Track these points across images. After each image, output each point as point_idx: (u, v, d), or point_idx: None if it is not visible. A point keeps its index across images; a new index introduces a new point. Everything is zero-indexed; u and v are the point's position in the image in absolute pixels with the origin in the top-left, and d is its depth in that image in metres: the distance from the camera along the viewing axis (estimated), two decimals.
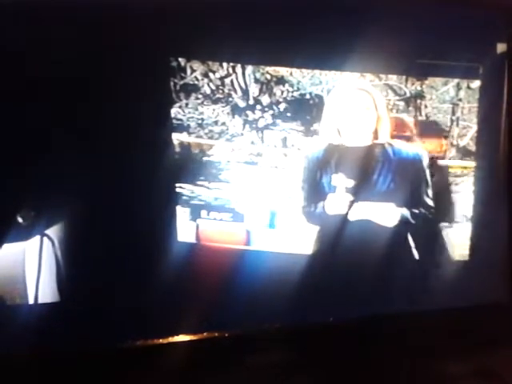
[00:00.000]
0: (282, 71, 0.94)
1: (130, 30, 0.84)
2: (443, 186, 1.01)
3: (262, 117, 0.95)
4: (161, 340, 0.93)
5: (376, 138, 0.98)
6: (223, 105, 0.94)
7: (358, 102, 0.96)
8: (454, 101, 0.98)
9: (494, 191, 1.02)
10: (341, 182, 0.97)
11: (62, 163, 0.86)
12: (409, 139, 0.99)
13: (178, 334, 0.94)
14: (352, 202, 0.98)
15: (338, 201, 0.98)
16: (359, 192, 0.98)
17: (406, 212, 0.99)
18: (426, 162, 0.99)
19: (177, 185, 0.96)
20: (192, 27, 0.87)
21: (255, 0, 0.89)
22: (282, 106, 0.95)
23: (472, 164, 1.00)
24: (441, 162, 1.00)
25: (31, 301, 0.90)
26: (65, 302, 0.91)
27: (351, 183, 0.97)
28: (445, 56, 0.96)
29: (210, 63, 0.92)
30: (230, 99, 0.94)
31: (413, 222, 1.00)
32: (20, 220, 0.87)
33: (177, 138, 0.94)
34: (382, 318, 1.00)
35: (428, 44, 0.95)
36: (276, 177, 0.98)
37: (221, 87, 0.93)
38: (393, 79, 0.96)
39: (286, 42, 0.92)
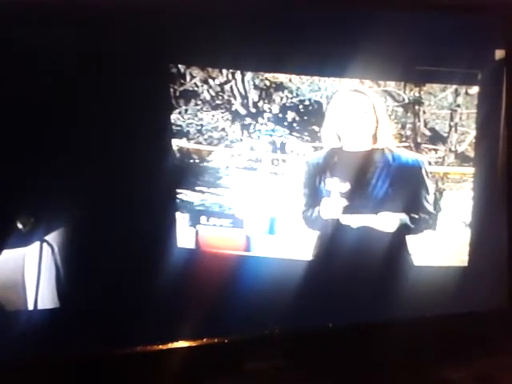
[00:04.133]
0: (281, 77, 0.94)
1: (129, 36, 0.84)
2: (441, 192, 1.01)
3: (262, 123, 0.96)
4: (160, 346, 0.93)
5: (375, 142, 0.98)
6: (223, 111, 0.94)
7: (356, 105, 0.96)
8: (452, 107, 0.98)
9: (493, 197, 1.01)
10: (339, 187, 0.97)
11: (62, 169, 0.86)
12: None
13: (177, 340, 0.94)
14: (351, 207, 0.98)
15: (336, 205, 0.98)
16: (358, 197, 0.98)
17: (404, 217, 0.99)
18: (425, 168, 0.99)
19: (176, 191, 0.96)
20: (191, 34, 0.88)
21: (255, 6, 0.90)
22: (282, 112, 0.96)
23: (470, 170, 1.00)
24: (439, 168, 1.00)
25: (31, 307, 0.90)
26: (64, 308, 0.91)
27: (350, 188, 0.97)
28: (443, 62, 0.96)
29: (210, 69, 0.92)
30: (230, 105, 0.94)
31: (412, 227, 1.00)
32: (20, 226, 0.87)
33: (176, 144, 0.94)
34: (381, 324, 1.00)
35: (426, 50, 0.95)
36: (275, 183, 0.98)
37: (220, 93, 0.94)
38: (391, 85, 0.96)
39: (285, 49, 0.92)
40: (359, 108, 0.97)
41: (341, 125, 0.97)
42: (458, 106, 0.98)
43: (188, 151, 0.95)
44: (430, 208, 1.00)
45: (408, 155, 0.99)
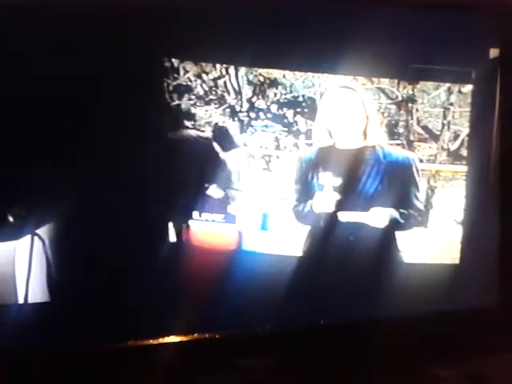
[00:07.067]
0: (275, 73, 0.94)
1: (123, 30, 0.84)
2: (433, 190, 1.01)
3: (255, 118, 0.95)
4: (151, 341, 0.93)
5: (366, 138, 0.99)
6: (216, 106, 0.94)
7: (346, 101, 0.97)
8: (445, 105, 0.99)
9: (485, 195, 1.02)
10: (330, 183, 0.97)
11: (54, 163, 0.86)
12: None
13: (168, 335, 0.93)
14: (341, 203, 0.98)
15: (327, 201, 0.98)
16: (349, 193, 0.98)
17: (395, 214, 1.00)
18: (416, 166, 1.00)
19: (169, 185, 0.96)
20: (186, 28, 0.87)
21: (249, 2, 0.90)
22: (275, 108, 0.96)
23: (463, 168, 1.01)
24: (431, 166, 1.01)
25: (21, 300, 0.90)
26: (54, 301, 0.91)
27: (341, 184, 0.97)
28: (437, 60, 0.96)
29: (203, 64, 0.92)
30: (223, 100, 0.94)
31: (402, 224, 1.00)
32: (11, 219, 0.87)
33: (169, 138, 0.94)
34: (372, 321, 1.00)
35: (421, 48, 0.95)
36: (268, 178, 0.98)
37: (214, 88, 0.94)
38: (385, 83, 0.97)
39: (279, 45, 0.92)
40: (349, 103, 0.97)
41: (332, 121, 0.97)
42: (451, 104, 0.98)
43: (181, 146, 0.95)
44: (420, 205, 1.01)
45: (399, 153, 0.99)
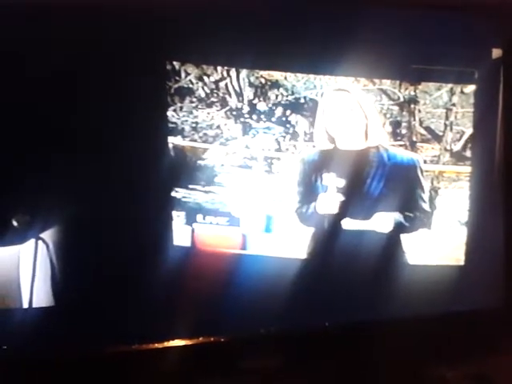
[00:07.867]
0: (277, 75, 0.94)
1: (124, 33, 0.84)
2: (437, 191, 1.01)
3: (257, 121, 0.95)
4: (155, 345, 0.93)
5: (368, 139, 0.98)
6: (218, 108, 0.94)
7: (342, 104, 0.96)
8: (448, 106, 0.98)
9: (489, 196, 1.01)
10: (333, 184, 0.97)
11: (57, 167, 0.86)
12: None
13: (173, 339, 0.93)
14: (345, 204, 0.98)
15: (331, 202, 0.98)
16: (353, 195, 0.98)
17: (400, 216, 0.99)
18: (420, 167, 0.99)
19: (172, 189, 0.96)
20: (187, 31, 0.88)
21: (250, 4, 0.90)
22: (277, 110, 0.95)
23: (466, 169, 1.00)
24: (434, 167, 1.00)
25: (25, 305, 0.90)
26: (59, 306, 0.91)
27: (344, 185, 0.97)
28: (439, 61, 0.96)
29: (205, 67, 0.92)
30: (225, 103, 0.94)
31: (406, 226, 1.00)
32: (15, 223, 0.87)
33: (171, 141, 0.94)
34: (377, 323, 1.00)
35: (422, 49, 0.95)
36: (271, 181, 0.98)
37: (215, 91, 0.94)
38: (386, 84, 0.96)
39: (281, 46, 0.92)
40: (345, 106, 0.97)
41: (331, 124, 0.97)
42: (454, 104, 0.98)
43: (183, 149, 0.95)
44: (426, 206, 1.00)
45: (403, 154, 0.99)
